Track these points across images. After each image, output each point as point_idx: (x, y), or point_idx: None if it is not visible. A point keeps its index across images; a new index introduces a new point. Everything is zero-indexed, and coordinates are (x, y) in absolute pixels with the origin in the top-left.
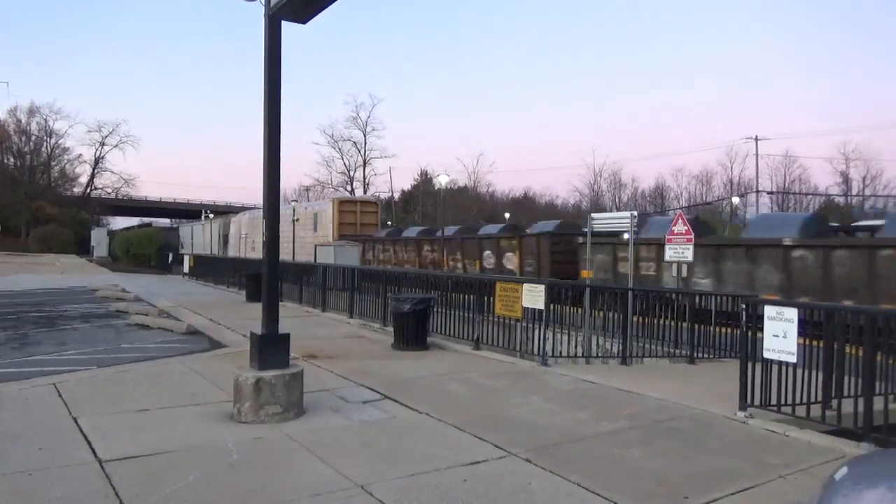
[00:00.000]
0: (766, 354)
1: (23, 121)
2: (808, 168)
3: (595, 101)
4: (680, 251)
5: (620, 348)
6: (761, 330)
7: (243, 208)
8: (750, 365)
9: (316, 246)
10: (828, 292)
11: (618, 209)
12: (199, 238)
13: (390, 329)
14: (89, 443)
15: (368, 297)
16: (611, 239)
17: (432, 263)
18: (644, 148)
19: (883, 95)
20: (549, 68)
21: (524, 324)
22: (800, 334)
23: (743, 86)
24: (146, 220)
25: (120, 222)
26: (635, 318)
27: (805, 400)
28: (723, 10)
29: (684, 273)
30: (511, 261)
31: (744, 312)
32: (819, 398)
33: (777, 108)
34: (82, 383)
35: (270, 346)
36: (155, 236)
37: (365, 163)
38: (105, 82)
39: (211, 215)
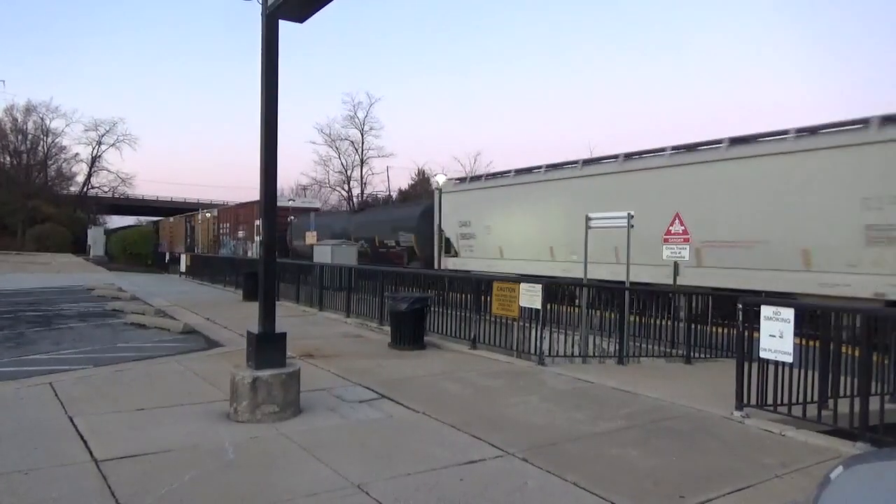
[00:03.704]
0: (763, 354)
1: (19, 119)
2: None
3: (593, 100)
4: (677, 251)
5: (617, 348)
6: (758, 330)
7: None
8: (746, 365)
9: (313, 245)
10: None
11: None
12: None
13: (387, 328)
14: (85, 442)
15: (365, 296)
16: None
17: None
18: (642, 147)
19: (884, 99)
20: (547, 67)
21: (521, 323)
22: (796, 334)
23: (741, 87)
24: (142, 218)
25: (117, 221)
26: (632, 318)
27: (801, 400)
28: (721, 11)
29: (679, 272)
30: None
31: (740, 312)
32: (815, 398)
33: (775, 111)
34: (78, 383)
35: (267, 346)
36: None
37: (362, 162)
38: (102, 81)
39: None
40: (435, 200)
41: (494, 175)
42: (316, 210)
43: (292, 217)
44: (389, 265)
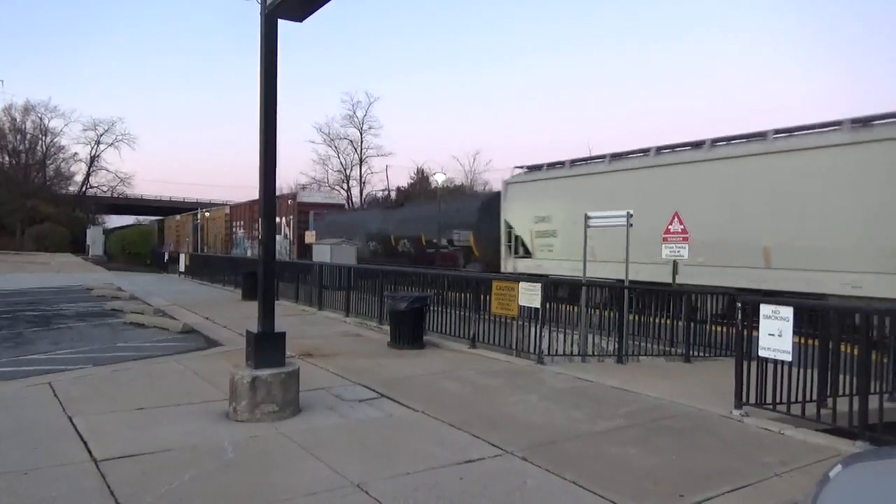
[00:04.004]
0: (762, 353)
1: (18, 119)
2: None
3: (592, 100)
4: (676, 250)
5: (616, 346)
6: (757, 328)
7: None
8: (745, 363)
9: (312, 244)
10: None
11: None
12: None
13: (387, 328)
14: (84, 442)
15: (365, 295)
16: None
17: None
18: (641, 146)
19: (886, 99)
20: (546, 67)
21: (520, 322)
22: (795, 332)
23: (739, 85)
24: (141, 218)
25: (115, 220)
26: (631, 317)
27: (800, 398)
28: (721, 12)
29: (678, 271)
30: None
31: (740, 311)
32: (814, 397)
33: (773, 111)
34: (78, 382)
35: (266, 345)
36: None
37: (361, 161)
38: (101, 80)
39: None
40: (501, 192)
41: (578, 161)
42: (340, 206)
43: (292, 217)
44: (440, 268)
